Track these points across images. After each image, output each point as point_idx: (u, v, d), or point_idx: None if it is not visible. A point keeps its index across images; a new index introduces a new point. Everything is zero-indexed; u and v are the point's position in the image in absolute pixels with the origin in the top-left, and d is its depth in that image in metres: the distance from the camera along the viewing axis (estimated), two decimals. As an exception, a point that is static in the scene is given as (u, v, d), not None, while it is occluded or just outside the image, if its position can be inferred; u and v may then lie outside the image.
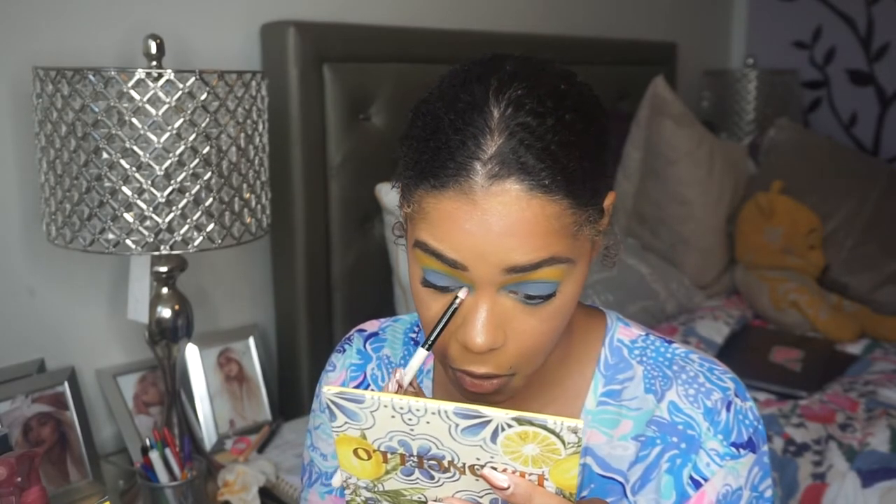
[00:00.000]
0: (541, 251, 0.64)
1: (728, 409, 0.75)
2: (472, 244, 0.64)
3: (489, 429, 0.57)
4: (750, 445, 0.75)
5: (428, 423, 0.58)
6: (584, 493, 0.77)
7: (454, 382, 0.72)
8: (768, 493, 0.77)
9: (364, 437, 0.60)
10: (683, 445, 0.75)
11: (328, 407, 0.60)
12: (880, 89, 2.92)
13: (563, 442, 0.56)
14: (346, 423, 0.60)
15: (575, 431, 0.55)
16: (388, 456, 0.61)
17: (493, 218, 0.63)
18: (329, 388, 0.59)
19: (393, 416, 0.58)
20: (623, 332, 0.81)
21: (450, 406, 0.56)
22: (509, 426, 0.56)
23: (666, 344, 0.80)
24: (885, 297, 2.26)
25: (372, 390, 0.62)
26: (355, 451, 0.62)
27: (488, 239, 0.63)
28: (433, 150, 0.65)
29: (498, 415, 0.56)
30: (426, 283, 0.68)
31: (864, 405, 1.72)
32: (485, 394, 0.70)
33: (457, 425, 0.57)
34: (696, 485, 0.75)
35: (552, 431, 0.56)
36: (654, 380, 0.78)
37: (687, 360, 0.78)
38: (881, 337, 2.13)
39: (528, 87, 0.65)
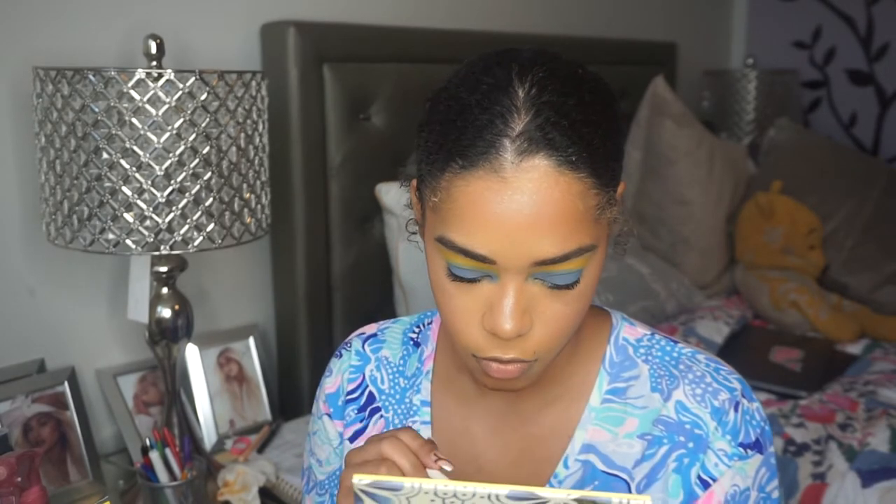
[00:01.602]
0: (568, 241, 0.64)
1: (736, 410, 0.75)
2: (501, 235, 0.63)
3: None
4: (757, 446, 0.75)
5: None
6: (589, 489, 0.78)
7: (477, 372, 0.72)
8: (775, 495, 0.77)
9: None
10: (691, 445, 0.75)
11: (358, 496, 0.55)
12: (880, 89, 2.92)
13: None
14: None
15: None
16: None
17: (524, 197, 0.62)
18: (360, 479, 0.54)
19: (433, 501, 0.54)
20: (628, 331, 0.82)
21: (503, 490, 0.52)
22: None
23: (672, 343, 0.81)
24: (885, 297, 2.26)
25: (412, 483, 0.58)
26: None
27: (518, 225, 0.63)
28: (460, 130, 0.65)
29: (557, 496, 0.51)
30: (453, 277, 0.68)
31: (864, 405, 1.72)
32: (508, 379, 0.70)
33: None
34: (705, 485, 0.75)
35: None
36: (660, 379, 0.78)
37: (693, 360, 0.79)
38: (881, 337, 2.13)
39: (548, 71, 0.66)
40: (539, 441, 0.80)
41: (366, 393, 0.87)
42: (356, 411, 0.87)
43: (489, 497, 0.52)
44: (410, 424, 0.85)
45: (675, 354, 0.79)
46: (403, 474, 0.64)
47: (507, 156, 0.63)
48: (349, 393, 0.88)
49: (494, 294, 0.66)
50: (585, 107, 0.65)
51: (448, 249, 0.66)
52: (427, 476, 0.65)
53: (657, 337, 0.81)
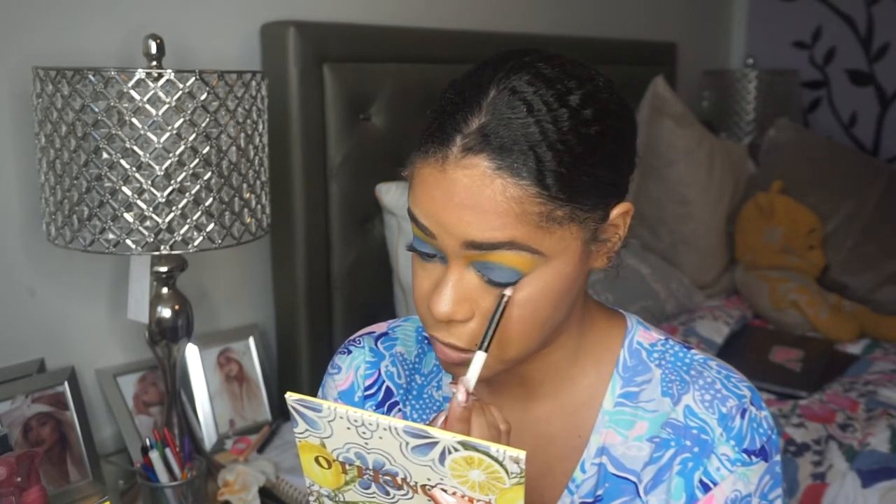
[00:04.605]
0: (497, 232, 0.66)
1: (742, 417, 0.75)
2: (435, 212, 0.68)
3: (437, 450, 0.58)
4: (762, 454, 0.76)
5: (381, 438, 0.59)
6: (600, 493, 0.78)
7: (433, 346, 0.74)
8: (778, 503, 0.77)
9: (324, 445, 0.62)
10: (696, 449, 0.76)
11: (291, 413, 0.61)
12: (880, 89, 2.92)
13: (506, 471, 0.57)
14: (306, 430, 0.62)
15: (517, 461, 0.56)
16: (347, 467, 0.63)
17: (457, 189, 0.66)
18: (291, 395, 0.61)
19: (348, 428, 0.60)
20: (643, 336, 0.82)
21: (400, 424, 0.58)
22: (455, 450, 0.57)
23: (685, 349, 0.81)
24: (885, 297, 2.26)
25: (337, 401, 0.64)
26: (317, 459, 0.63)
27: (449, 208, 0.67)
28: (432, 122, 0.70)
29: (445, 437, 0.57)
30: (411, 248, 0.72)
31: (864, 405, 1.72)
32: (453, 364, 0.72)
33: (407, 443, 0.58)
34: (706, 488, 0.75)
35: (495, 459, 0.56)
36: (671, 383, 0.78)
37: (705, 367, 0.79)
38: (881, 337, 2.13)
39: (532, 77, 0.67)
40: (552, 441, 0.80)
41: (383, 388, 0.88)
42: (374, 407, 0.88)
43: (390, 429, 0.58)
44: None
45: (687, 360, 0.80)
46: None
47: (453, 150, 0.67)
48: (367, 389, 0.88)
49: (440, 275, 0.70)
50: (554, 121, 0.65)
51: (410, 218, 0.71)
52: None
53: (671, 342, 0.82)
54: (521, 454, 0.55)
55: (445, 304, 0.68)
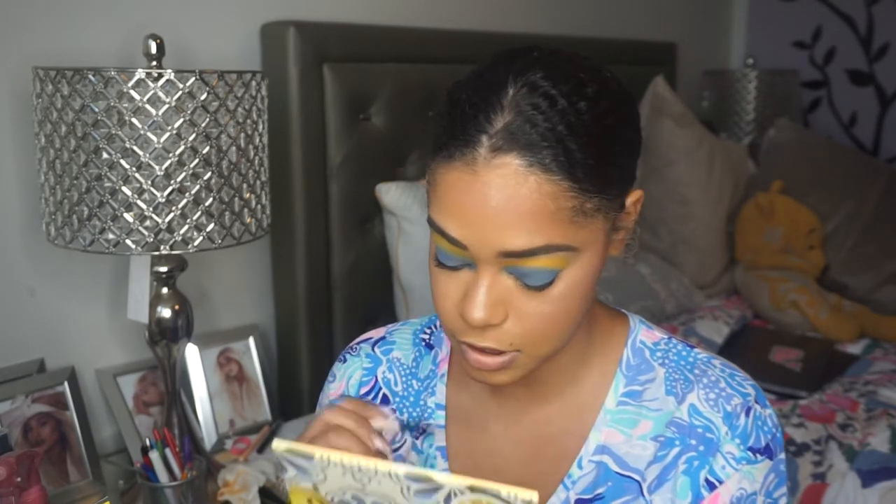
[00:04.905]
0: (535, 236, 0.65)
1: (747, 415, 0.76)
2: (470, 220, 0.66)
3: (442, 494, 0.56)
4: (767, 452, 0.76)
5: (380, 483, 0.57)
6: (601, 491, 0.78)
7: (465, 363, 0.73)
8: (783, 501, 0.78)
9: (316, 489, 0.60)
10: (701, 448, 0.76)
11: (280, 461, 0.60)
12: (880, 89, 2.92)
13: None
14: (297, 475, 0.60)
15: (529, 502, 0.54)
16: None
17: (492, 191, 0.65)
18: (279, 444, 0.58)
19: (344, 474, 0.58)
20: (645, 335, 0.82)
21: (401, 469, 0.56)
22: (462, 493, 0.55)
23: (688, 348, 0.81)
24: (885, 297, 2.26)
25: (329, 450, 0.63)
26: (309, 501, 0.61)
27: (485, 214, 0.65)
28: (451, 122, 0.68)
29: (451, 482, 0.55)
30: (438, 263, 0.71)
31: (864, 405, 1.72)
32: (490, 371, 0.72)
33: (409, 487, 0.57)
34: (711, 486, 0.75)
35: (506, 501, 0.54)
36: (675, 382, 0.78)
37: (709, 365, 0.79)
38: (881, 337, 2.13)
39: (547, 72, 0.67)
40: (553, 440, 0.80)
41: (380, 395, 0.87)
42: None
43: (390, 475, 0.56)
44: (425, 427, 0.85)
45: (690, 359, 0.80)
46: (350, 434, 0.70)
47: (481, 151, 0.65)
48: (363, 396, 0.87)
49: (471, 282, 0.69)
50: (575, 112, 0.66)
51: (434, 231, 0.70)
52: (372, 443, 0.72)
53: (674, 341, 0.82)
54: (534, 496, 0.53)
55: (480, 309, 0.68)
